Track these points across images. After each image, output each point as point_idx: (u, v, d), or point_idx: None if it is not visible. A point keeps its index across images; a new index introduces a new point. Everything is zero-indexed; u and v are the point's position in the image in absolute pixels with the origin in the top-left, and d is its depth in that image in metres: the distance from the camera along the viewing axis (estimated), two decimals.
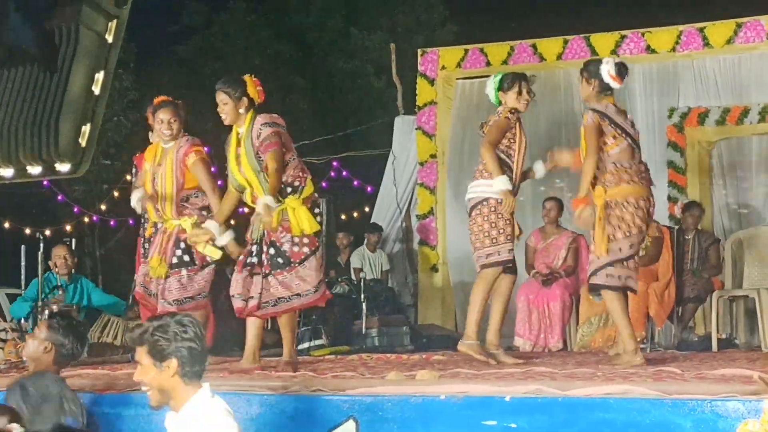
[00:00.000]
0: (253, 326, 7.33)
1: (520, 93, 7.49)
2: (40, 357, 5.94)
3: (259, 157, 7.11)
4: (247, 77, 7.28)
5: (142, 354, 4.29)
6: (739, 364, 6.95)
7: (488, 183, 7.32)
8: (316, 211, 7.26)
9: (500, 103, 7.54)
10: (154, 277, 7.75)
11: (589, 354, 9.12)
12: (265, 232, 7.18)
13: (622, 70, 7.19)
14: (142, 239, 8.44)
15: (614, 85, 7.17)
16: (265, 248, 7.18)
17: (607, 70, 7.12)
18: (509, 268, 7.42)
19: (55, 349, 5.92)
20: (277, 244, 7.14)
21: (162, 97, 7.89)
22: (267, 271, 7.15)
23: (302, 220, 7.11)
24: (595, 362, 7.36)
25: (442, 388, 5.62)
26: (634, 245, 7.07)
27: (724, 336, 10.03)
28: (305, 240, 7.15)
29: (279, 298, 7.15)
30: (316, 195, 7.41)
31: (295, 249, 7.13)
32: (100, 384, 6.58)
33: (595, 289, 7.21)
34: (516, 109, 7.47)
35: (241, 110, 7.16)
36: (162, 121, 7.72)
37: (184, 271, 7.66)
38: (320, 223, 7.30)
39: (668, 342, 10.29)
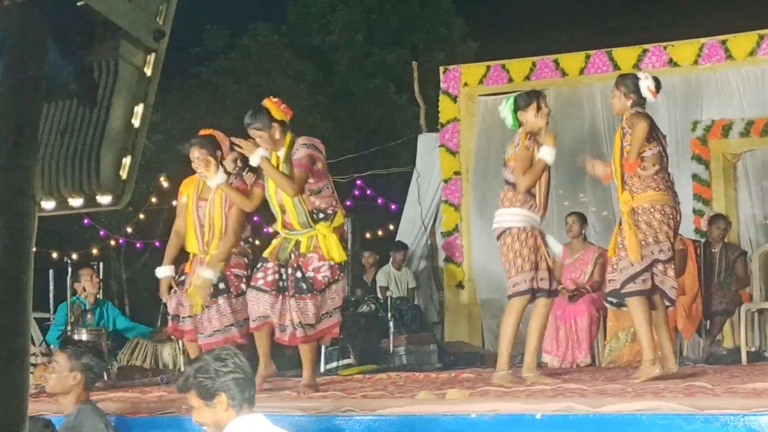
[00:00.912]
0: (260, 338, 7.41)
1: (539, 109, 7.38)
2: (70, 389, 5.79)
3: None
4: (266, 102, 7.25)
5: (192, 398, 4.29)
6: None
7: (510, 212, 7.28)
8: (343, 243, 7.32)
9: (519, 124, 7.39)
10: (191, 310, 7.77)
11: (618, 369, 9.09)
12: (292, 255, 7.20)
13: (658, 84, 7.28)
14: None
15: (650, 99, 7.27)
16: (291, 270, 7.19)
17: (646, 86, 7.19)
18: (546, 291, 7.31)
19: (84, 375, 5.79)
20: (303, 269, 7.15)
21: (203, 132, 7.91)
22: (290, 293, 7.17)
23: (332, 248, 7.16)
24: (625, 378, 7.34)
25: (472, 407, 5.62)
26: (664, 250, 7.10)
27: (753, 349, 9.99)
28: (327, 272, 7.16)
29: (299, 323, 7.13)
30: (345, 228, 7.47)
31: (319, 276, 7.13)
32: (130, 407, 6.61)
33: (625, 297, 7.21)
34: (532, 132, 7.38)
35: (277, 136, 7.16)
36: (194, 159, 7.74)
37: (221, 300, 7.70)
38: (346, 254, 7.36)
39: (697, 356, 10.26)
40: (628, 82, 7.28)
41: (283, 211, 7.21)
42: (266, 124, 7.12)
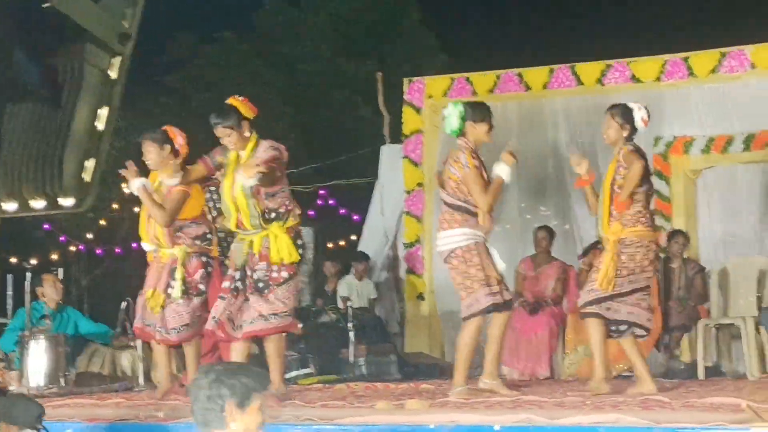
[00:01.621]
0: (238, 353, 7.33)
1: (491, 127, 7.41)
2: None
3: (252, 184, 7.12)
4: (232, 100, 7.29)
5: None
6: (727, 392, 7.00)
7: (450, 233, 7.28)
8: (299, 242, 7.31)
9: (460, 132, 7.36)
10: (150, 309, 7.78)
11: (577, 382, 9.14)
12: (248, 258, 7.23)
13: (649, 115, 7.44)
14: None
15: (642, 129, 7.44)
16: (248, 272, 7.24)
17: (640, 117, 7.35)
18: (500, 305, 7.27)
19: None
20: (257, 269, 7.21)
21: (164, 128, 7.93)
22: (250, 292, 7.22)
23: (282, 248, 7.16)
24: (583, 390, 7.39)
25: (431, 418, 5.63)
26: (633, 281, 7.24)
27: (710, 364, 10.06)
28: (283, 268, 7.21)
29: (259, 316, 7.17)
30: (300, 228, 7.44)
31: (274, 275, 7.20)
32: (88, 413, 6.57)
33: (582, 316, 7.35)
34: (475, 147, 7.37)
35: (246, 134, 7.20)
36: (144, 153, 7.80)
37: (180, 300, 7.70)
38: (301, 255, 7.33)
39: (655, 370, 10.28)
40: (624, 113, 7.38)
41: (238, 210, 7.21)
42: (236, 123, 7.16)
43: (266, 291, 7.18)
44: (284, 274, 7.21)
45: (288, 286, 7.24)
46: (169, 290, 7.71)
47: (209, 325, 7.31)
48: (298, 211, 7.37)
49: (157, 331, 7.78)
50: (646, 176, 7.29)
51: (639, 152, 7.31)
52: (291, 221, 7.27)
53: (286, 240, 7.17)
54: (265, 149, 7.18)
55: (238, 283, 7.28)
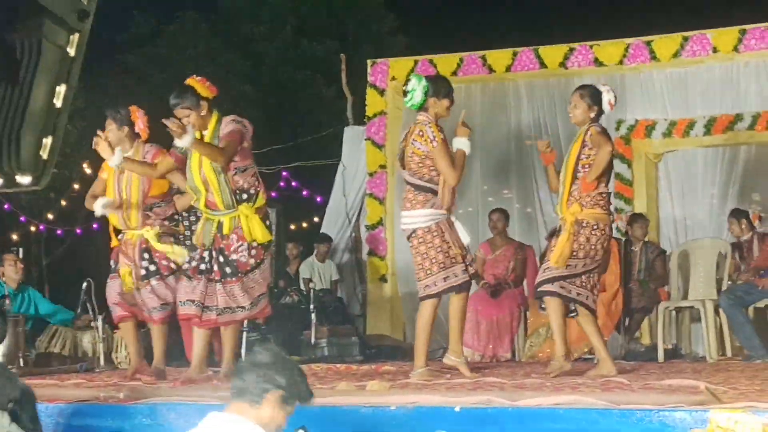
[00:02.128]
0: (200, 336, 7.31)
1: (452, 103, 7.45)
2: None
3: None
4: (190, 81, 7.23)
5: None
6: (686, 374, 7.07)
7: (413, 214, 7.27)
8: (267, 222, 7.28)
9: (422, 107, 7.34)
10: (126, 290, 7.73)
11: (538, 364, 9.18)
12: (215, 238, 7.16)
13: (616, 99, 7.56)
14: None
15: (608, 112, 7.54)
16: (214, 254, 7.16)
17: (608, 99, 7.43)
18: (456, 287, 7.27)
19: None
20: (226, 252, 7.11)
21: (130, 107, 7.84)
22: (217, 278, 7.15)
23: (255, 228, 7.12)
24: (544, 372, 7.43)
25: (392, 399, 5.63)
26: (587, 264, 7.28)
27: (670, 346, 10.14)
28: (253, 251, 7.15)
29: (225, 308, 7.14)
30: (267, 209, 7.42)
31: (242, 259, 7.12)
32: (48, 394, 6.52)
33: (542, 296, 7.37)
34: (439, 128, 7.30)
35: (204, 113, 7.14)
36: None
37: (153, 281, 7.68)
38: (270, 234, 7.33)
39: (615, 352, 10.35)
40: (593, 94, 7.45)
41: (207, 189, 7.14)
42: (194, 103, 7.09)
43: (233, 278, 7.10)
44: (251, 261, 7.13)
45: (254, 274, 7.17)
46: (142, 271, 7.68)
47: (189, 311, 7.24)
48: (263, 191, 7.32)
49: (144, 311, 7.75)
50: (611, 160, 7.34)
51: (606, 135, 7.37)
52: (259, 202, 7.21)
53: (258, 220, 7.13)
54: (227, 124, 7.14)
55: (207, 265, 7.18)
